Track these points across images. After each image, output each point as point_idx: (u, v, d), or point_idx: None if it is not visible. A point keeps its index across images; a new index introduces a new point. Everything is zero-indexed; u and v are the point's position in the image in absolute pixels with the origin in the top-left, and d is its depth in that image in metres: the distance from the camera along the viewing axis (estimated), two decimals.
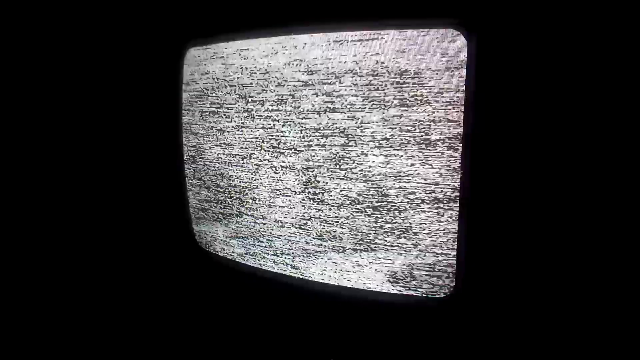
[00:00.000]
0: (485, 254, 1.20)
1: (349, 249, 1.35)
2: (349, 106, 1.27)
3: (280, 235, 1.47)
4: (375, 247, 1.31)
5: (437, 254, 1.23)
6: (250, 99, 1.45)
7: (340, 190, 1.33)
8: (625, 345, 1.16)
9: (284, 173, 1.42)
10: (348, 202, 1.32)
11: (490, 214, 1.19)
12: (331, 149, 1.32)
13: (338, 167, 1.32)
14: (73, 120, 1.90)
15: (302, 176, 1.38)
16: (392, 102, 1.22)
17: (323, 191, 1.36)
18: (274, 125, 1.41)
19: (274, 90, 1.39)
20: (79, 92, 1.88)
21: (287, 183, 1.42)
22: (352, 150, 1.29)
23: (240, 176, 1.52)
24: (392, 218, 1.27)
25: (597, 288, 1.17)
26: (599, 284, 1.17)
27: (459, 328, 1.28)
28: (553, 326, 1.22)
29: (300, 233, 1.42)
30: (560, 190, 1.17)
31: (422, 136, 1.20)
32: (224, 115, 1.52)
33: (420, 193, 1.22)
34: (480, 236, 1.19)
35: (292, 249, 1.45)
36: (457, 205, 1.19)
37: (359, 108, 1.26)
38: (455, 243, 1.21)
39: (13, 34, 1.80)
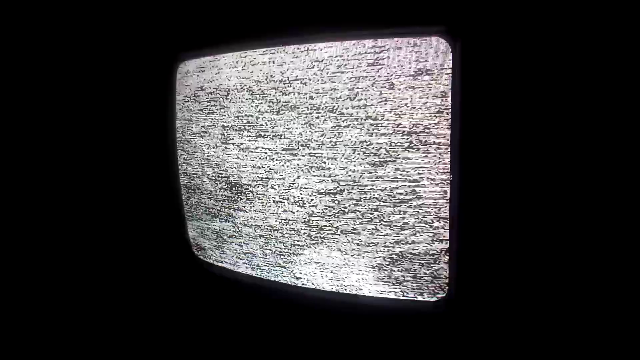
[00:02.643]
0: (478, 258, 1.21)
1: (344, 254, 1.36)
2: (338, 115, 1.29)
3: (275, 243, 1.48)
4: (369, 250, 1.31)
5: (431, 258, 1.24)
6: (243, 109, 1.46)
7: (333, 194, 1.34)
8: (619, 350, 1.16)
9: (276, 182, 1.43)
10: (340, 205, 1.33)
11: (483, 218, 1.19)
12: (320, 157, 1.33)
13: (326, 171, 1.33)
14: (67, 131, 1.91)
15: (293, 183, 1.40)
16: (379, 111, 1.23)
17: (315, 199, 1.37)
18: (266, 135, 1.42)
19: (266, 100, 1.41)
20: (74, 103, 1.90)
21: (280, 192, 1.43)
22: (342, 153, 1.30)
23: (234, 186, 1.53)
24: (385, 221, 1.27)
25: (590, 292, 1.18)
26: (592, 288, 1.17)
27: (453, 332, 1.28)
28: (547, 330, 1.22)
29: (294, 240, 1.43)
30: (551, 194, 1.17)
31: (410, 143, 1.21)
32: (218, 125, 1.53)
33: (412, 197, 1.23)
34: (473, 240, 1.20)
35: (285, 256, 1.46)
36: (449, 208, 1.20)
37: (347, 116, 1.27)
38: (449, 247, 1.21)
39: (8, 43, 1.82)
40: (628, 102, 1.10)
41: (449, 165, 1.18)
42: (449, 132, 1.17)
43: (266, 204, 1.46)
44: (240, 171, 1.50)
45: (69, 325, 1.79)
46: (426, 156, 1.20)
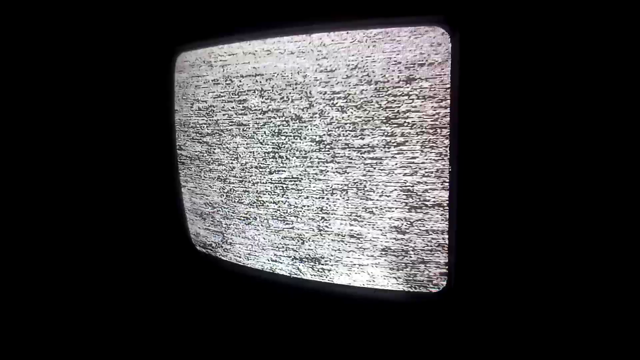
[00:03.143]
0: (477, 250, 1.21)
1: (343, 249, 1.36)
2: (338, 108, 1.28)
3: (276, 235, 1.48)
4: (368, 244, 1.31)
5: (430, 250, 1.24)
6: (243, 102, 1.46)
7: (335, 190, 1.34)
8: (617, 342, 1.16)
9: (278, 175, 1.43)
10: (342, 202, 1.33)
11: (481, 210, 1.19)
12: (324, 149, 1.33)
13: (330, 167, 1.33)
14: (66, 127, 1.91)
15: (294, 177, 1.39)
16: (376, 101, 1.22)
17: (318, 193, 1.36)
18: (267, 126, 1.42)
19: (266, 93, 1.40)
20: (72, 99, 1.90)
21: (282, 185, 1.43)
22: (343, 148, 1.30)
23: (234, 178, 1.53)
24: (385, 214, 1.27)
25: (589, 284, 1.17)
26: (590, 280, 1.17)
27: (453, 324, 1.29)
28: (546, 322, 1.22)
29: (295, 233, 1.43)
30: (549, 186, 1.17)
31: (408, 134, 1.20)
32: (218, 118, 1.53)
33: (410, 190, 1.23)
34: (472, 233, 1.20)
35: (287, 249, 1.46)
36: (448, 202, 1.19)
37: (346, 110, 1.27)
38: (447, 239, 1.21)
39: (8, 41, 1.82)
40: (628, 97, 1.09)
41: (448, 157, 1.17)
42: (447, 123, 1.16)
43: (268, 197, 1.46)
44: (239, 162, 1.51)
45: (71, 322, 1.80)
46: (425, 148, 1.19)
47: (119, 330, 1.76)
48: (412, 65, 1.17)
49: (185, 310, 1.78)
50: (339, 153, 1.30)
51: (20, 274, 1.90)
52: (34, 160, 1.91)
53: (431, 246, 1.24)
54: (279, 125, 1.39)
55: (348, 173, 1.30)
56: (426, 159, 1.20)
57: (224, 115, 1.51)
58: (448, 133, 1.16)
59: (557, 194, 1.16)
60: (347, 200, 1.32)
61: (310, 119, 1.33)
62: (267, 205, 1.47)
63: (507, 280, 1.22)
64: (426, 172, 1.20)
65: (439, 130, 1.17)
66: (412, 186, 1.22)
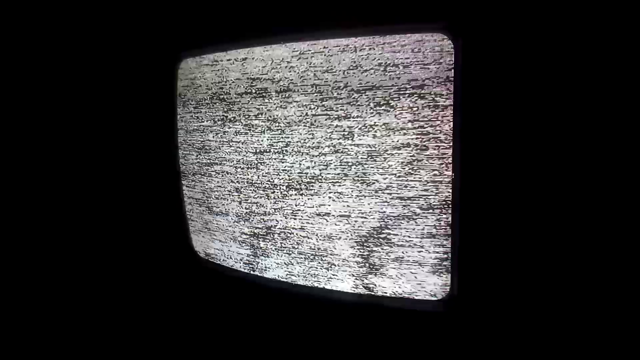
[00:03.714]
0: (481, 258, 1.20)
1: (346, 256, 1.35)
2: (340, 112, 1.28)
3: (278, 242, 1.47)
4: (371, 252, 1.31)
5: (434, 258, 1.23)
6: (244, 108, 1.46)
7: (337, 197, 1.33)
8: (619, 345, 1.14)
9: (280, 180, 1.42)
10: (343, 208, 1.33)
11: (484, 218, 1.18)
12: (325, 157, 1.33)
13: (332, 174, 1.32)
14: (70, 133, 1.92)
15: (298, 183, 1.39)
16: (380, 109, 1.22)
17: (319, 198, 1.36)
18: (269, 132, 1.42)
19: (268, 98, 1.40)
20: (76, 104, 1.91)
21: (284, 190, 1.42)
22: (344, 157, 1.30)
23: (236, 185, 1.53)
24: (386, 218, 1.27)
25: (593, 290, 1.17)
26: (594, 286, 1.16)
27: (457, 332, 1.28)
28: (551, 330, 1.21)
29: (298, 239, 1.43)
30: (553, 193, 1.16)
31: (411, 143, 1.20)
32: (220, 124, 1.53)
33: (413, 199, 1.22)
34: (475, 240, 1.19)
35: (289, 255, 1.46)
36: (450, 209, 1.19)
37: (347, 114, 1.27)
38: (450, 247, 1.20)
39: (10, 42, 1.84)
40: (630, 99, 1.08)
41: (451, 165, 1.17)
42: (450, 131, 1.16)
43: (271, 200, 1.46)
44: (241, 167, 1.51)
45: (72, 322, 1.80)
46: (427, 155, 1.19)
47: (119, 332, 1.76)
48: (414, 72, 1.17)
49: (185, 315, 1.78)
50: (338, 158, 1.30)
51: (22, 279, 1.90)
52: (38, 166, 1.91)
53: (435, 254, 1.23)
54: (277, 131, 1.39)
55: (348, 176, 1.30)
56: (429, 166, 1.19)
57: (226, 122, 1.51)
58: (450, 140, 1.16)
59: (560, 201, 1.16)
60: (347, 205, 1.31)
61: (311, 127, 1.33)
62: (266, 211, 1.47)
63: (511, 287, 1.21)
64: (429, 179, 1.20)
65: (441, 137, 1.17)
66: (415, 193, 1.22)
